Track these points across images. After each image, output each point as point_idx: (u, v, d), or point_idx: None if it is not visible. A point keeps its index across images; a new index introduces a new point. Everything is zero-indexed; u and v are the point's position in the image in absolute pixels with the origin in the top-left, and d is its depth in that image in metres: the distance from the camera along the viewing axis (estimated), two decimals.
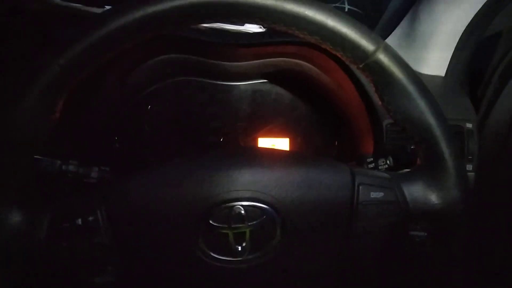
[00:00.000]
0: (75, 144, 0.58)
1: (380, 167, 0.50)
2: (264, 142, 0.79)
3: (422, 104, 0.38)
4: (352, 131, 0.75)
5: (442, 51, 0.69)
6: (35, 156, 0.47)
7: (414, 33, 0.71)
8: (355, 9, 0.91)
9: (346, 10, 0.91)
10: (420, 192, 0.41)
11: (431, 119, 0.38)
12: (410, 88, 0.38)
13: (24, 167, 0.37)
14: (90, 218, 0.38)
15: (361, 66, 0.38)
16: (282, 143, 0.79)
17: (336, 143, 0.80)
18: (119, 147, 0.74)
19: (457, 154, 0.40)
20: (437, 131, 0.39)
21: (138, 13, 0.33)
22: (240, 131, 0.78)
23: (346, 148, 0.78)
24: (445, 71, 0.70)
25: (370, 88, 0.63)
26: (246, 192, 0.38)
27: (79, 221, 0.38)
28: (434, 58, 0.70)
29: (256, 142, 0.79)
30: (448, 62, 0.70)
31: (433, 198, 0.40)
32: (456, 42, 0.68)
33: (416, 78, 0.39)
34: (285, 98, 0.79)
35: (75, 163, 0.47)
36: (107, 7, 0.64)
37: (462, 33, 0.66)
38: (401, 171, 0.45)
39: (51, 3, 0.55)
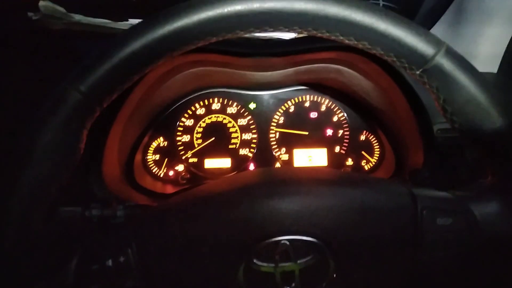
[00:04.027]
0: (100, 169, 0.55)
1: (440, 183, 0.44)
2: (300, 154, 0.74)
3: (495, 115, 0.33)
4: (397, 140, 0.69)
5: (493, 46, 0.65)
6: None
7: (460, 27, 0.66)
8: (389, 4, 0.85)
9: (381, 5, 0.85)
10: (496, 216, 0.35)
11: (507, 131, 0.33)
12: (481, 96, 0.32)
13: (42, 221, 0.32)
14: (121, 259, 0.34)
15: (418, 72, 0.33)
16: (319, 154, 0.74)
17: (379, 153, 0.74)
18: (150, 166, 0.71)
19: None
20: None
21: (166, 29, 0.30)
22: (274, 143, 0.74)
23: (389, 158, 0.72)
24: (497, 68, 0.66)
25: (420, 91, 0.57)
26: (293, 224, 0.34)
27: (109, 262, 0.34)
28: (485, 53, 0.66)
29: (291, 153, 0.74)
30: (500, 58, 0.65)
31: None
32: (510, 36, 0.63)
33: (487, 84, 0.33)
34: (321, 106, 0.74)
35: (97, 206, 0.43)
36: (131, 21, 0.61)
37: None
38: (467, 190, 0.39)
39: (71, 21, 0.52)
